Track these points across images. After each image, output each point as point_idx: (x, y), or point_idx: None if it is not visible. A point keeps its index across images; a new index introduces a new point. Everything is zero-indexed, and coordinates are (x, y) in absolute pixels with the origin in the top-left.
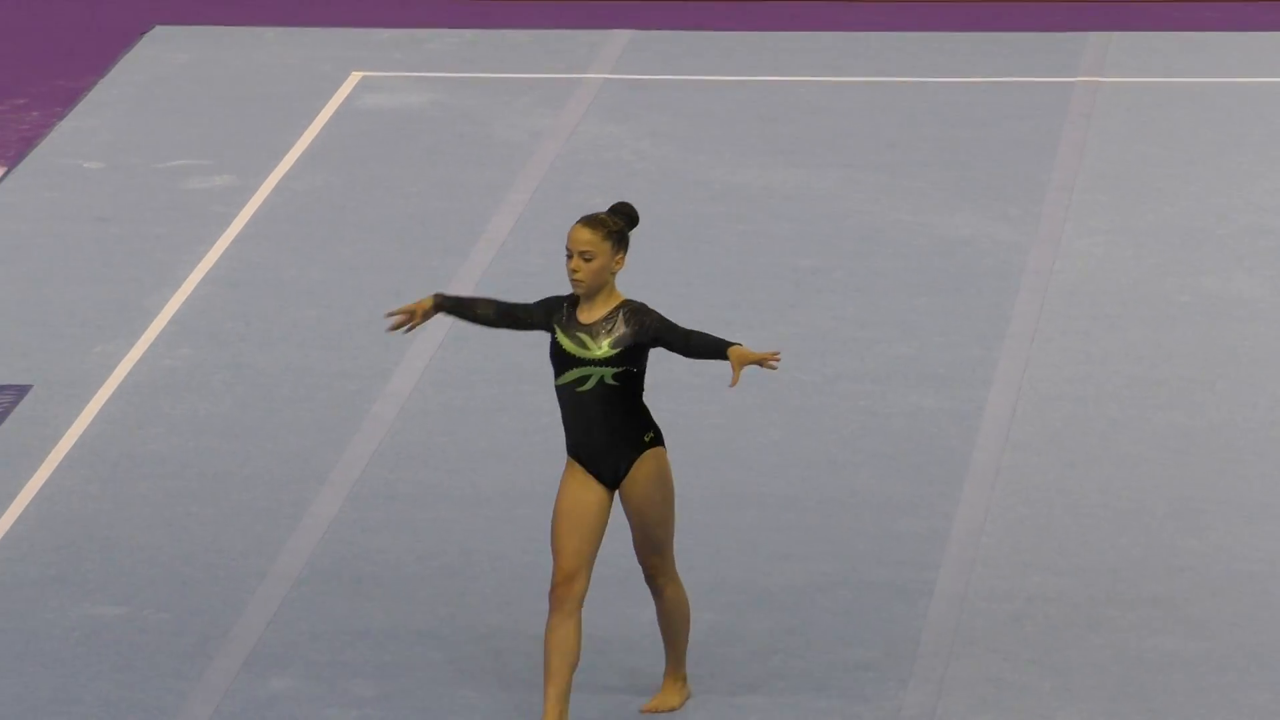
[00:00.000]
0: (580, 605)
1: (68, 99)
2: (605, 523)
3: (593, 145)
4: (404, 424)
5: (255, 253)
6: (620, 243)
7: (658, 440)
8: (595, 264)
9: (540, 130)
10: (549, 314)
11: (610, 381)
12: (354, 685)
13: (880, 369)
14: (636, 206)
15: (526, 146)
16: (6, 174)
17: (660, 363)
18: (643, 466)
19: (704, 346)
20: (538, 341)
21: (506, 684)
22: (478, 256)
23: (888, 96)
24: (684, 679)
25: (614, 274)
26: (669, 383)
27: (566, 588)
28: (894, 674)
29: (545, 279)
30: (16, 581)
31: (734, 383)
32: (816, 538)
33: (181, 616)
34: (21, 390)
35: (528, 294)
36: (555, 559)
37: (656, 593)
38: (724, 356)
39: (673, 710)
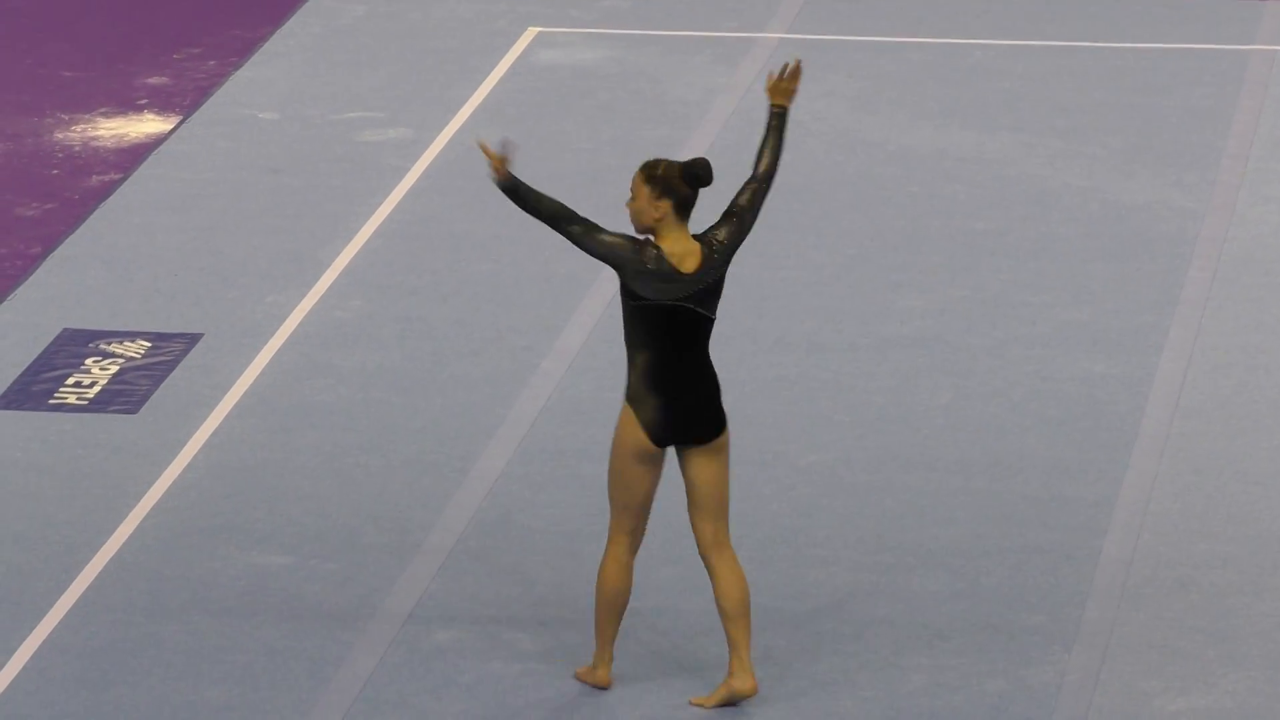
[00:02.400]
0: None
1: (244, 49)
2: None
3: (766, 105)
4: (572, 379)
5: (428, 206)
6: (663, 189)
7: (628, 393)
8: (634, 204)
9: (715, 88)
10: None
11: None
12: (518, 639)
13: (1051, 334)
14: (810, 166)
15: (701, 105)
16: (182, 123)
17: (827, 325)
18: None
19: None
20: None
21: (672, 639)
22: None
23: (1064, 60)
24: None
25: (657, 220)
26: (836, 344)
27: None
28: (1059, 638)
29: None
30: (184, 529)
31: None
32: (983, 502)
33: (348, 567)
34: (193, 339)
35: None
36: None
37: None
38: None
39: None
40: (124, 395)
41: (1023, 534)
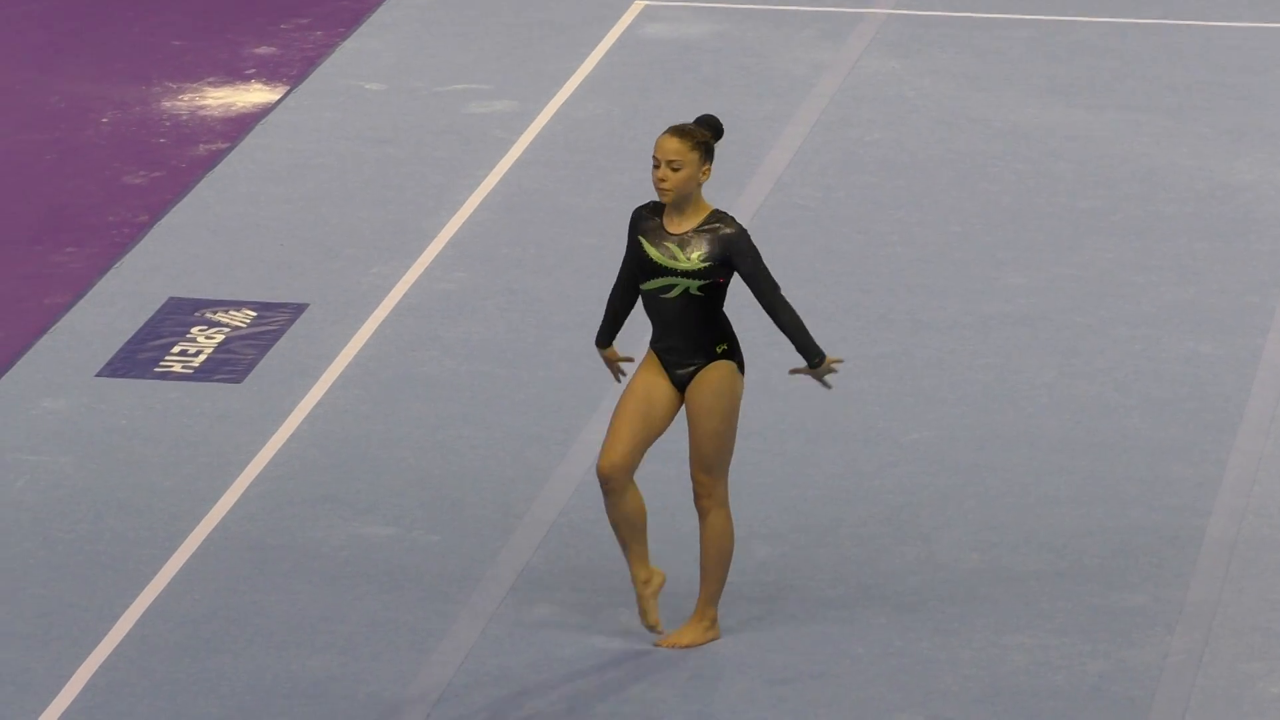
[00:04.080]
0: (631, 478)
1: (351, 20)
2: (667, 420)
3: (873, 80)
4: None
5: (533, 178)
6: (707, 154)
7: (730, 354)
8: (683, 174)
9: (821, 64)
10: (634, 226)
11: (695, 293)
12: (619, 615)
13: (1156, 313)
14: (916, 143)
15: (806, 80)
16: (289, 93)
17: (931, 302)
18: (709, 374)
19: (791, 331)
20: (808, 279)
21: (776, 619)
22: (754, 189)
23: (1171, 38)
24: (713, 620)
25: (700, 184)
26: (940, 322)
27: (616, 473)
28: (1161, 619)
29: (821, 212)
30: (287, 499)
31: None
32: (1087, 481)
33: (450, 539)
34: (298, 309)
35: (803, 228)
36: (609, 441)
37: (701, 515)
38: (809, 360)
39: (681, 647)
40: (229, 364)
41: (1126, 514)
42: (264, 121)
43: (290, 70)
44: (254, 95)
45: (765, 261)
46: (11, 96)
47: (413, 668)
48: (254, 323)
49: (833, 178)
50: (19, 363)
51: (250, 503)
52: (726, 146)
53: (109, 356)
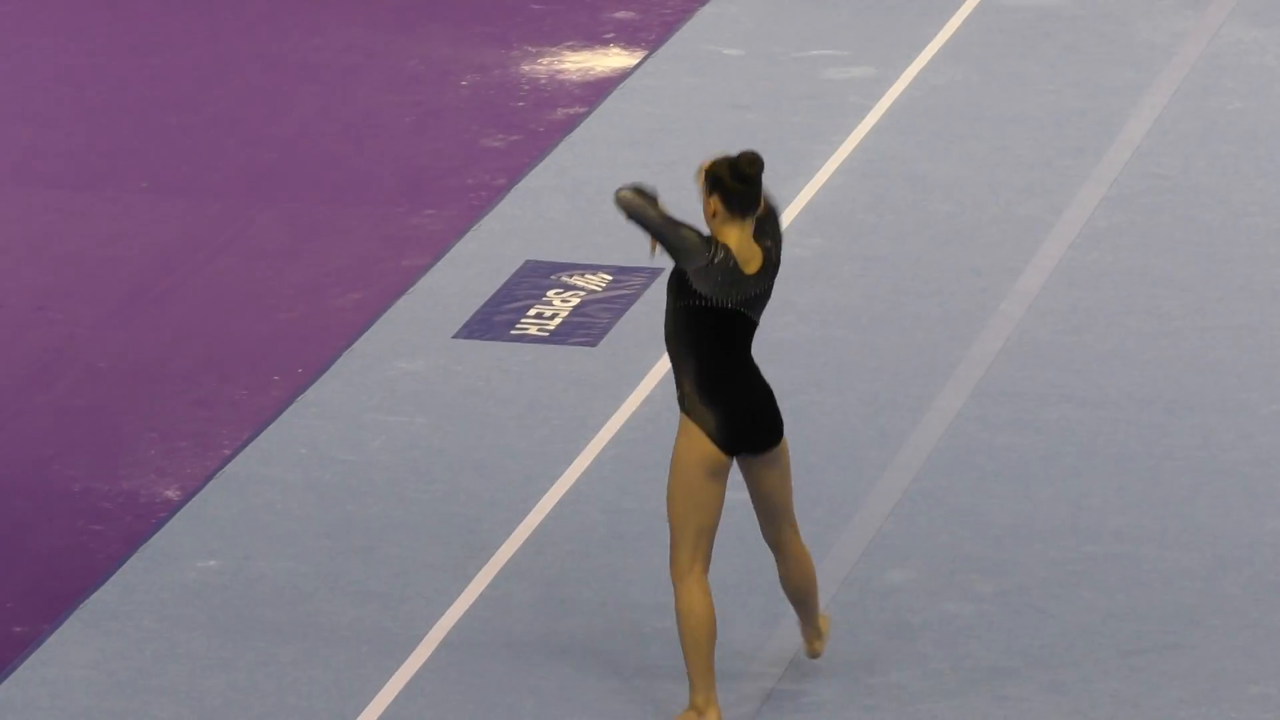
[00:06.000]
0: (777, 546)
1: None
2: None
3: (1235, 49)
4: (1031, 322)
5: (890, 145)
6: (712, 186)
7: (685, 405)
8: (701, 204)
9: (1182, 32)
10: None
11: (674, 307)
12: (971, 581)
13: None
14: (1278, 113)
15: (1167, 48)
16: (647, 58)
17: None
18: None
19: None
20: (1166, 248)
21: (1129, 589)
22: (1112, 157)
23: None
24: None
25: (711, 217)
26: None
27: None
28: None
29: (1181, 182)
30: (641, 463)
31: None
32: None
33: (802, 504)
34: (654, 273)
35: (1162, 197)
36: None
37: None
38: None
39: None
40: (584, 328)
41: None
42: (622, 86)
43: (649, 35)
44: (612, 59)
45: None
46: (371, 59)
47: (764, 632)
48: (609, 286)
49: (1192, 146)
50: (377, 324)
51: (604, 465)
52: (1084, 114)
53: (466, 318)
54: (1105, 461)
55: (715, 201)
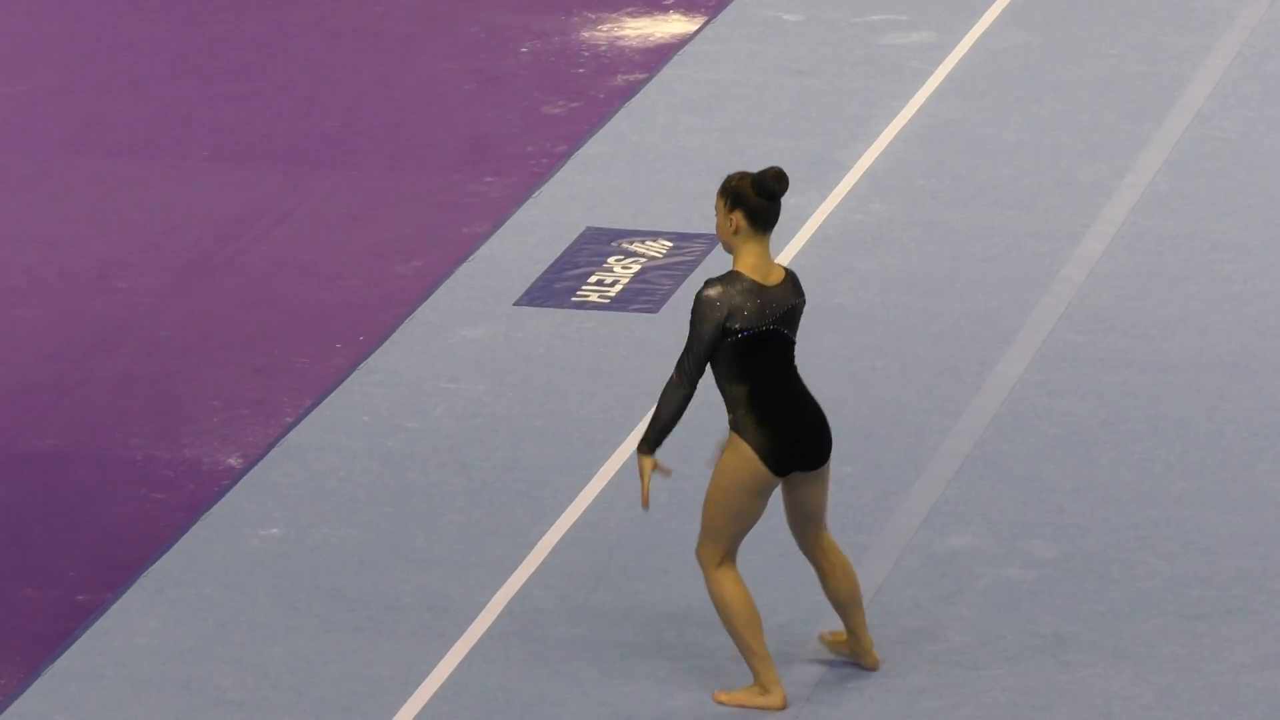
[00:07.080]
0: (812, 553)
1: None
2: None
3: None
4: (1092, 287)
5: (950, 110)
6: (734, 200)
7: (738, 427)
8: (717, 220)
9: None
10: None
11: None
12: (1033, 546)
13: None
14: None
15: (1229, 12)
16: (707, 24)
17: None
18: (727, 441)
19: (657, 407)
20: (1227, 212)
21: (1192, 553)
22: (1174, 122)
23: None
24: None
25: (733, 234)
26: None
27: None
28: None
29: (1242, 145)
30: (702, 430)
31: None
32: None
33: (864, 470)
34: (714, 240)
35: (1223, 161)
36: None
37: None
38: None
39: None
40: (645, 294)
41: None
42: (682, 52)
43: (708, 1)
44: (672, 26)
45: (695, 336)
46: (432, 25)
47: (823, 599)
48: (670, 253)
49: (1253, 110)
50: (438, 291)
51: None
52: (1145, 79)
53: (526, 285)
54: (1167, 426)
55: (739, 217)
